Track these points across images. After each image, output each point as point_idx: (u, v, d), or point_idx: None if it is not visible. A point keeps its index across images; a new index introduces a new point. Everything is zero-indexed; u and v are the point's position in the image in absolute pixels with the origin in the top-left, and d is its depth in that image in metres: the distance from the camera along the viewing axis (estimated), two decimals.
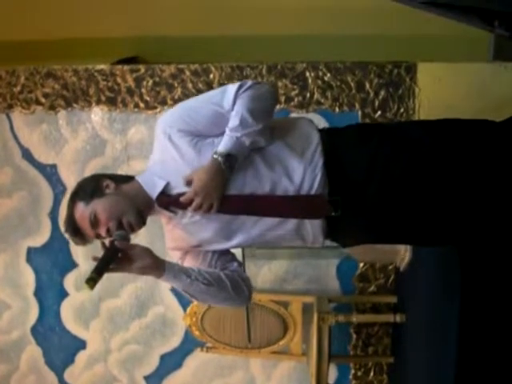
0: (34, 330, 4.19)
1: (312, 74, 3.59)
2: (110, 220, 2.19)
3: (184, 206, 2.20)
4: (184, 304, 3.98)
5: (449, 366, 2.93)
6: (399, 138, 2.25)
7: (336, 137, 2.29)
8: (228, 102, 2.18)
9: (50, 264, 4.06)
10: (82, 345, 4.18)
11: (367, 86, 3.55)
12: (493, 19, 1.57)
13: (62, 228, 2.33)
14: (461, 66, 3.43)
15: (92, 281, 2.01)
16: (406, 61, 3.53)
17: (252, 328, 3.77)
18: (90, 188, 2.25)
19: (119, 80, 3.74)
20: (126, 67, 3.74)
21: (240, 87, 2.19)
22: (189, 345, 4.08)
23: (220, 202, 2.17)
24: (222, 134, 2.17)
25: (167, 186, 2.22)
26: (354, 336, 3.98)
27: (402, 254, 3.68)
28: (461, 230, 2.29)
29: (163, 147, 2.22)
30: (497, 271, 2.75)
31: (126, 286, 4.04)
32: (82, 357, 4.20)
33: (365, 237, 2.42)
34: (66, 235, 2.31)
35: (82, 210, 2.22)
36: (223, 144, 2.15)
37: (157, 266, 2.16)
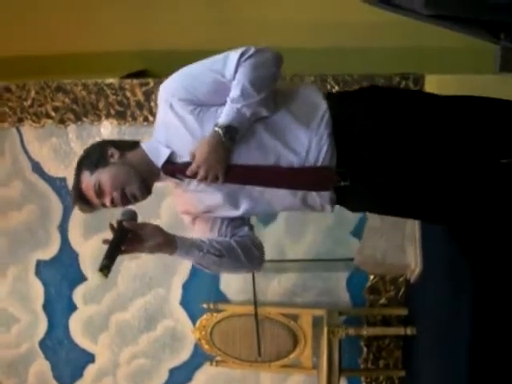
0: (42, 343, 4.19)
1: (320, 87, 3.59)
2: (114, 190, 2.17)
3: (190, 177, 2.18)
4: (193, 317, 3.98)
5: (460, 379, 2.91)
6: (411, 112, 2.18)
7: (345, 104, 2.21)
8: (229, 70, 2.11)
9: (59, 277, 4.06)
10: (90, 358, 4.18)
11: None
12: (498, 31, 1.57)
13: (71, 196, 2.33)
14: (468, 77, 3.42)
15: (106, 268, 1.98)
16: (413, 72, 3.52)
17: (262, 341, 3.76)
18: (95, 157, 2.22)
19: (128, 94, 3.76)
20: (135, 81, 3.76)
21: (242, 55, 2.11)
22: (198, 359, 4.07)
23: (225, 173, 2.13)
24: (225, 103, 2.11)
25: (172, 154, 2.18)
26: (365, 349, 3.96)
27: (413, 266, 3.66)
28: (458, 204, 2.22)
29: (166, 116, 2.18)
30: (509, 285, 2.74)
31: (135, 300, 4.04)
32: (90, 370, 4.20)
33: (372, 204, 2.35)
34: (73, 203, 2.31)
35: (88, 180, 2.20)
36: (224, 115, 2.09)
37: (169, 243, 2.13)
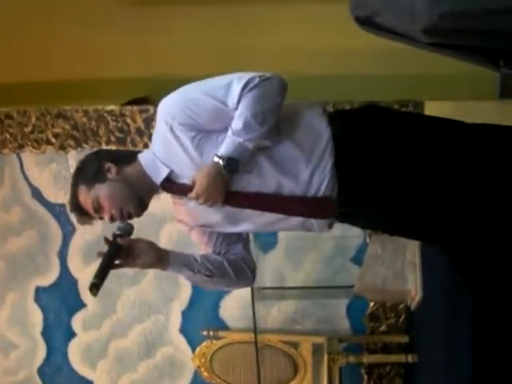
0: (41, 370, 4.17)
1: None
2: (112, 208, 2.16)
3: (187, 195, 2.17)
4: (193, 345, 3.96)
5: None
6: (413, 134, 2.18)
7: (348, 129, 2.17)
8: (232, 100, 2.07)
9: (58, 304, 4.05)
10: None
11: None
12: (498, 59, 1.58)
13: (68, 208, 2.32)
14: (468, 104, 3.44)
15: (95, 287, 2.01)
16: (413, 100, 3.54)
17: (262, 369, 3.73)
18: (92, 171, 2.21)
19: (129, 121, 3.77)
20: (135, 108, 3.77)
21: (245, 85, 2.07)
22: None
23: (224, 199, 2.13)
24: (226, 129, 2.08)
25: (171, 173, 2.17)
26: (366, 377, 3.93)
27: (413, 293, 3.65)
28: (463, 223, 2.21)
29: (165, 135, 2.14)
30: (510, 313, 2.72)
31: (134, 327, 4.01)
32: None
33: (373, 225, 2.41)
34: (72, 214, 2.30)
35: (85, 194, 2.20)
36: (225, 147, 2.06)
37: (161, 260, 2.16)
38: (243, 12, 3.85)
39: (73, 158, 3.89)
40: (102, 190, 2.17)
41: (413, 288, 3.62)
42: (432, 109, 3.46)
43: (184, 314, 3.96)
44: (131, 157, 2.25)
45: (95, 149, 2.41)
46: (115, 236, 2.13)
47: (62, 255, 4.00)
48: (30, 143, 3.92)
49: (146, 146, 3.76)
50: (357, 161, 2.13)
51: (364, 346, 3.88)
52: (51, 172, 3.94)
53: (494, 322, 2.80)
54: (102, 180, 2.19)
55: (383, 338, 3.85)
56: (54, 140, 3.89)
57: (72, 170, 3.84)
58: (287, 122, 2.16)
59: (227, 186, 2.11)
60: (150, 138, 3.74)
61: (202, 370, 3.93)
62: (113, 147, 3.81)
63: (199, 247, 2.36)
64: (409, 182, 2.14)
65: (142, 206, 2.22)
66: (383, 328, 3.85)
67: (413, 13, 1.50)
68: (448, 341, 3.24)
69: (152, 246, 2.16)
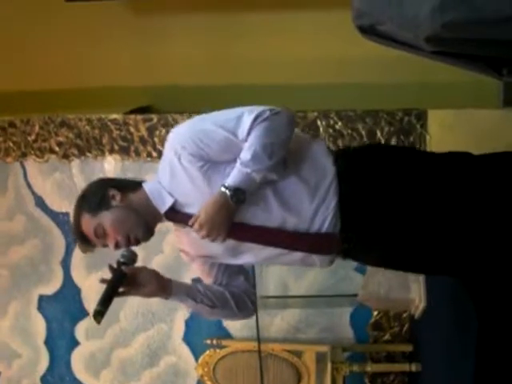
0: (43, 379, 4.16)
1: (323, 123, 3.60)
2: (118, 234, 2.16)
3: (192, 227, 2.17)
4: (196, 354, 3.95)
5: None
6: (415, 170, 2.20)
7: (353, 167, 2.20)
8: (242, 132, 2.09)
9: (62, 312, 4.04)
10: None
11: (378, 133, 3.56)
12: (501, 67, 1.58)
13: (72, 234, 2.32)
14: (471, 112, 3.44)
15: (99, 315, 2.03)
16: (416, 108, 3.54)
17: (265, 378, 3.72)
18: (96, 199, 2.20)
19: (132, 129, 3.77)
20: (138, 117, 3.77)
21: (256, 118, 2.09)
22: None
23: (227, 233, 2.13)
24: (234, 160, 2.10)
25: (176, 202, 2.18)
26: None
27: (417, 302, 3.64)
28: (466, 259, 2.24)
29: (173, 165, 2.15)
30: None
31: (138, 336, 4.01)
32: None
33: (376, 261, 2.40)
34: (75, 243, 2.32)
35: (89, 222, 2.19)
36: (232, 177, 2.07)
37: (163, 289, 2.18)
38: (245, 21, 3.86)
39: (76, 167, 3.90)
40: (106, 217, 2.17)
41: (416, 297, 3.61)
42: (435, 117, 3.47)
43: (187, 322, 3.96)
44: (136, 185, 2.26)
45: (98, 178, 2.40)
46: (119, 263, 2.14)
47: (66, 264, 4.00)
48: (33, 152, 3.93)
49: (149, 154, 3.77)
50: (360, 199, 2.15)
51: (367, 355, 3.87)
52: (55, 181, 3.94)
53: (498, 331, 2.80)
54: (106, 207, 2.18)
55: (387, 346, 3.84)
56: (57, 149, 3.90)
57: (75, 179, 3.89)
58: (293, 157, 2.18)
59: (232, 218, 2.11)
60: (153, 147, 3.76)
61: (206, 378, 3.91)
62: (116, 156, 3.82)
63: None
64: (411, 220, 2.15)
65: (149, 232, 2.22)
66: (387, 337, 3.84)
67: (416, 22, 1.50)
68: (451, 350, 3.23)
69: (155, 275, 2.18)
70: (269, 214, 2.13)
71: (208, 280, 2.34)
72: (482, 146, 3.39)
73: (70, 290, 3.99)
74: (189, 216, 2.15)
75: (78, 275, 3.99)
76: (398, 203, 2.15)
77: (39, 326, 4.09)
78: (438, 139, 3.48)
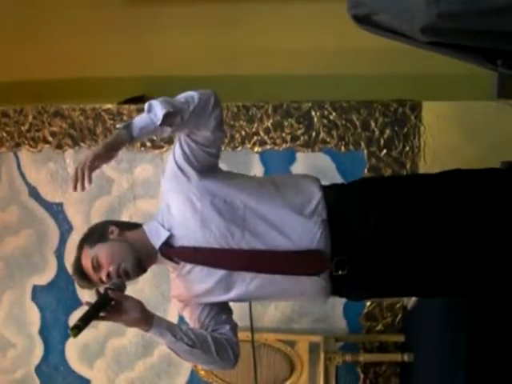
0: (38, 369, 4.15)
1: (317, 113, 3.61)
2: (110, 265, 2.22)
3: (185, 259, 2.25)
4: None
5: None
6: (404, 194, 2.26)
7: (341, 195, 2.29)
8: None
9: (56, 302, 4.04)
10: None
11: (372, 124, 3.57)
12: (495, 58, 1.59)
13: (70, 271, 2.40)
14: (465, 104, 3.45)
15: (77, 329, 2.05)
16: (410, 99, 3.55)
17: (258, 367, 3.72)
18: (97, 233, 2.30)
19: (126, 119, 3.77)
20: (132, 106, 3.77)
21: None
22: None
23: (224, 258, 2.22)
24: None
25: (171, 237, 2.25)
26: (362, 375, 3.93)
27: None
28: (467, 280, 2.28)
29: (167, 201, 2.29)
30: (505, 314, 2.74)
31: None
32: None
33: (373, 292, 2.42)
34: (74, 278, 2.38)
35: (87, 255, 2.27)
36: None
37: (145, 321, 2.19)
38: (241, 12, 3.86)
39: (70, 157, 3.90)
40: (102, 249, 2.25)
41: None
42: (429, 109, 3.48)
43: None
44: (135, 225, 2.36)
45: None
46: (106, 289, 2.18)
47: (60, 254, 3.99)
48: (26, 142, 3.92)
49: (143, 144, 3.77)
50: (349, 225, 2.21)
51: (360, 345, 3.88)
52: (48, 171, 3.93)
53: (489, 321, 2.81)
54: (103, 240, 2.27)
55: (379, 337, 3.85)
56: (51, 139, 3.88)
57: (69, 170, 3.88)
58: (281, 185, 2.29)
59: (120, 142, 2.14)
60: None
61: (199, 368, 3.92)
62: None
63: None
64: (400, 247, 2.20)
65: (140, 267, 2.27)
66: (379, 327, 3.86)
67: (411, 12, 1.51)
68: (443, 340, 3.24)
69: (139, 305, 2.20)
70: (256, 238, 2.20)
71: (196, 325, 2.37)
72: (476, 138, 3.43)
73: (63, 279, 3.98)
74: (184, 249, 2.23)
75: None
76: (392, 225, 2.20)
77: (33, 315, 4.08)
78: (432, 130, 3.49)
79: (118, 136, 2.12)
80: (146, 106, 2.13)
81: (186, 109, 2.14)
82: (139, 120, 2.13)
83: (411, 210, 2.21)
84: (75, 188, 2.07)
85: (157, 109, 2.10)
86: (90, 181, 2.07)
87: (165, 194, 2.30)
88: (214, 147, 2.26)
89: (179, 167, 2.24)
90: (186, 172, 2.24)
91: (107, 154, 2.11)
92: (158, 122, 2.10)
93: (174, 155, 2.27)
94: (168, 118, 2.10)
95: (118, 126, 2.14)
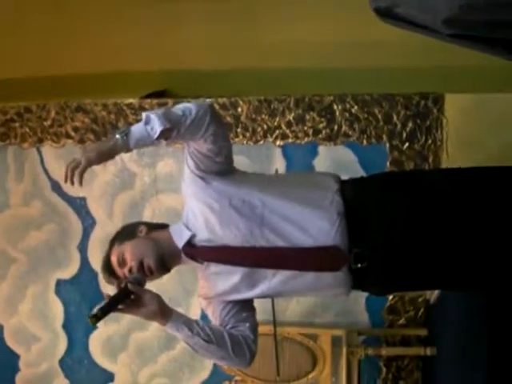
0: (62, 362, 4.19)
1: (339, 107, 3.59)
2: (133, 260, 2.26)
3: (208, 259, 2.27)
4: None
5: None
6: (423, 188, 2.24)
7: (359, 187, 2.30)
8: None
9: (79, 296, 4.07)
10: (110, 378, 4.17)
11: (394, 117, 3.55)
12: None
13: (99, 267, 2.45)
14: (488, 96, 3.42)
15: (95, 318, 2.11)
16: (433, 92, 3.52)
17: (281, 361, 3.74)
18: (127, 232, 2.37)
19: None
20: (154, 101, 3.78)
21: None
22: (217, 378, 4.04)
23: (245, 256, 2.24)
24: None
25: (193, 237, 2.28)
26: (384, 369, 3.92)
27: None
28: (487, 274, 2.26)
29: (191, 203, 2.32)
30: None
31: None
32: None
33: (393, 286, 2.41)
34: (102, 275, 2.43)
35: (116, 251, 2.32)
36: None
37: (162, 314, 2.22)
38: (261, 5, 3.85)
39: None
40: (128, 245, 2.30)
41: None
42: (452, 101, 3.45)
43: None
44: (164, 226, 2.41)
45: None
46: (127, 282, 2.20)
47: (83, 248, 4.02)
48: (49, 137, 3.94)
49: None
50: (366, 218, 2.21)
51: (382, 339, 3.87)
52: None
53: (510, 317, 2.80)
54: (131, 238, 2.33)
55: (402, 331, 3.84)
56: (73, 134, 3.91)
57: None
58: (298, 183, 2.34)
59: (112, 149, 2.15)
60: None
61: None
62: None
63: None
64: (419, 238, 2.20)
65: (163, 266, 2.31)
66: (402, 321, 3.85)
67: (433, 4, 1.50)
68: (466, 334, 3.23)
69: (158, 299, 2.22)
70: (276, 235, 2.22)
71: (216, 322, 2.38)
72: (499, 131, 3.39)
73: (86, 274, 4.01)
74: (206, 248, 2.26)
75: (94, 259, 4.00)
76: (408, 219, 2.20)
77: (57, 309, 4.12)
78: (454, 123, 3.46)
79: (114, 145, 2.14)
80: (144, 117, 2.14)
81: (183, 122, 2.16)
82: (136, 131, 2.13)
83: (429, 205, 2.20)
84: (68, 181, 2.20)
85: (155, 123, 2.11)
86: (81, 183, 2.16)
87: (186, 198, 2.33)
88: (220, 156, 2.26)
89: (194, 173, 2.27)
90: (202, 177, 2.27)
91: (100, 161, 2.17)
92: (155, 137, 2.12)
93: (186, 163, 2.30)
94: (164, 133, 2.13)
95: (117, 135, 2.13)
